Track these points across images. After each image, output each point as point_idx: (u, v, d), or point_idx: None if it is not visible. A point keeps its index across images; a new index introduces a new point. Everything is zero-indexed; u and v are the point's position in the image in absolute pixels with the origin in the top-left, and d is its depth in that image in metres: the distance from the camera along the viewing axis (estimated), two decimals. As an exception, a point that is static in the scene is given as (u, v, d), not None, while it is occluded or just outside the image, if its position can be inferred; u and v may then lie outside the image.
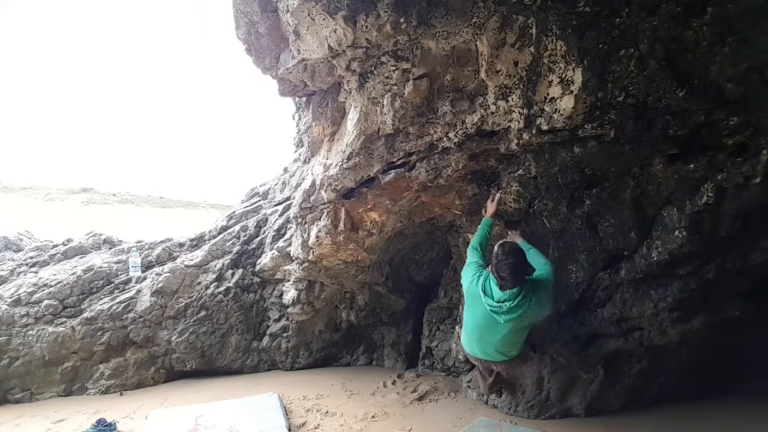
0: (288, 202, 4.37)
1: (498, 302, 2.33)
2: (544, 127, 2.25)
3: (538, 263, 2.50)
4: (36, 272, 4.16)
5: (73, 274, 4.02)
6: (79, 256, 4.46)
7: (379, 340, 4.53)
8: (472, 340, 2.59)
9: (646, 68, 1.97)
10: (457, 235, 3.48)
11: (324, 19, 2.21)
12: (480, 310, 2.44)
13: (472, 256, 2.60)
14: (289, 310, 4.17)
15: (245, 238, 4.42)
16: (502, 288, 2.30)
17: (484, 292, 2.39)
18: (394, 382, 3.92)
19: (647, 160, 2.47)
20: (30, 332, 3.73)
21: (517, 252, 2.34)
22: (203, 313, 4.08)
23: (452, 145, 2.53)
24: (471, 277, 2.50)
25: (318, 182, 3.06)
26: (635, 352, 3.09)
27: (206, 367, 4.14)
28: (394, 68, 2.36)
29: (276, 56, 2.90)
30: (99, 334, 3.85)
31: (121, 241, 4.87)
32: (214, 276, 4.19)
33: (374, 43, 2.22)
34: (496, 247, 2.35)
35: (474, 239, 2.67)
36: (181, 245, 4.52)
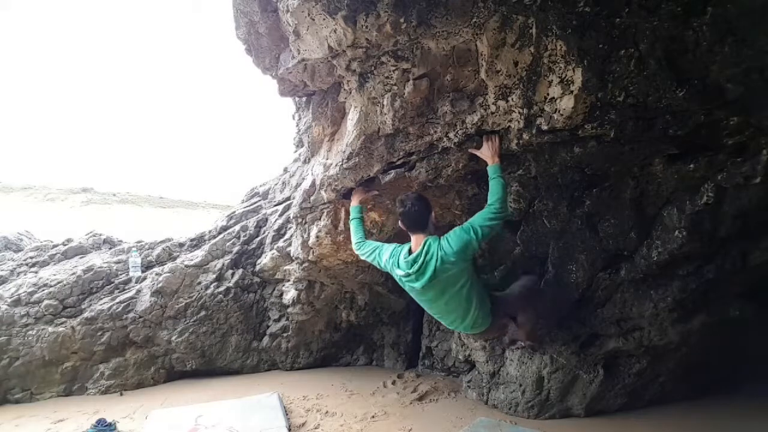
0: (288, 202, 4.37)
1: (406, 270, 2.33)
2: (544, 127, 2.25)
3: (491, 200, 2.35)
4: (36, 272, 4.16)
5: (73, 274, 4.03)
6: (79, 256, 4.46)
7: (379, 340, 4.53)
8: (438, 319, 2.61)
9: (646, 68, 1.97)
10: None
11: (324, 19, 2.21)
12: (408, 290, 2.45)
13: None
14: (289, 310, 4.17)
15: (245, 238, 4.42)
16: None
17: (398, 266, 2.41)
18: (394, 382, 3.92)
19: (647, 160, 2.47)
20: (30, 332, 3.73)
21: (418, 197, 2.41)
22: (203, 313, 4.08)
23: (452, 145, 2.53)
24: (391, 258, 2.50)
25: (318, 182, 3.06)
26: (635, 352, 3.09)
27: (206, 367, 4.15)
28: (394, 68, 2.35)
29: (276, 56, 2.90)
30: (99, 334, 3.86)
31: (121, 241, 4.87)
32: (214, 276, 4.19)
33: (374, 43, 2.22)
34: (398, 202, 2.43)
35: None
36: (181, 245, 4.52)
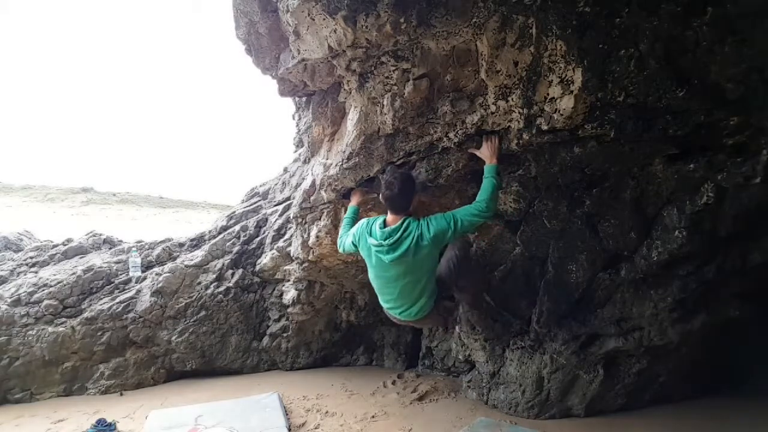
0: (288, 202, 4.37)
1: (380, 240, 2.33)
2: (544, 127, 2.25)
3: (479, 197, 2.34)
4: (36, 272, 4.16)
5: (73, 274, 4.03)
6: (79, 256, 4.46)
7: (379, 340, 4.53)
8: (384, 302, 2.61)
9: (646, 68, 1.97)
10: (457, 235, 3.48)
11: (324, 19, 2.21)
12: (373, 262, 2.43)
13: None
14: (289, 310, 4.17)
15: (245, 238, 4.42)
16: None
17: (370, 234, 2.40)
18: (394, 382, 3.92)
19: (647, 160, 2.47)
20: (30, 332, 3.73)
21: (405, 179, 2.39)
22: (203, 313, 4.08)
23: (452, 145, 2.53)
24: (360, 228, 2.50)
25: (318, 182, 3.06)
26: (635, 352, 3.08)
27: (206, 367, 4.15)
28: (394, 68, 2.36)
29: (276, 56, 2.90)
30: (99, 334, 3.86)
31: (121, 241, 4.87)
32: (214, 276, 4.19)
33: (374, 43, 2.22)
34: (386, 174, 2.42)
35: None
36: (181, 245, 4.52)
